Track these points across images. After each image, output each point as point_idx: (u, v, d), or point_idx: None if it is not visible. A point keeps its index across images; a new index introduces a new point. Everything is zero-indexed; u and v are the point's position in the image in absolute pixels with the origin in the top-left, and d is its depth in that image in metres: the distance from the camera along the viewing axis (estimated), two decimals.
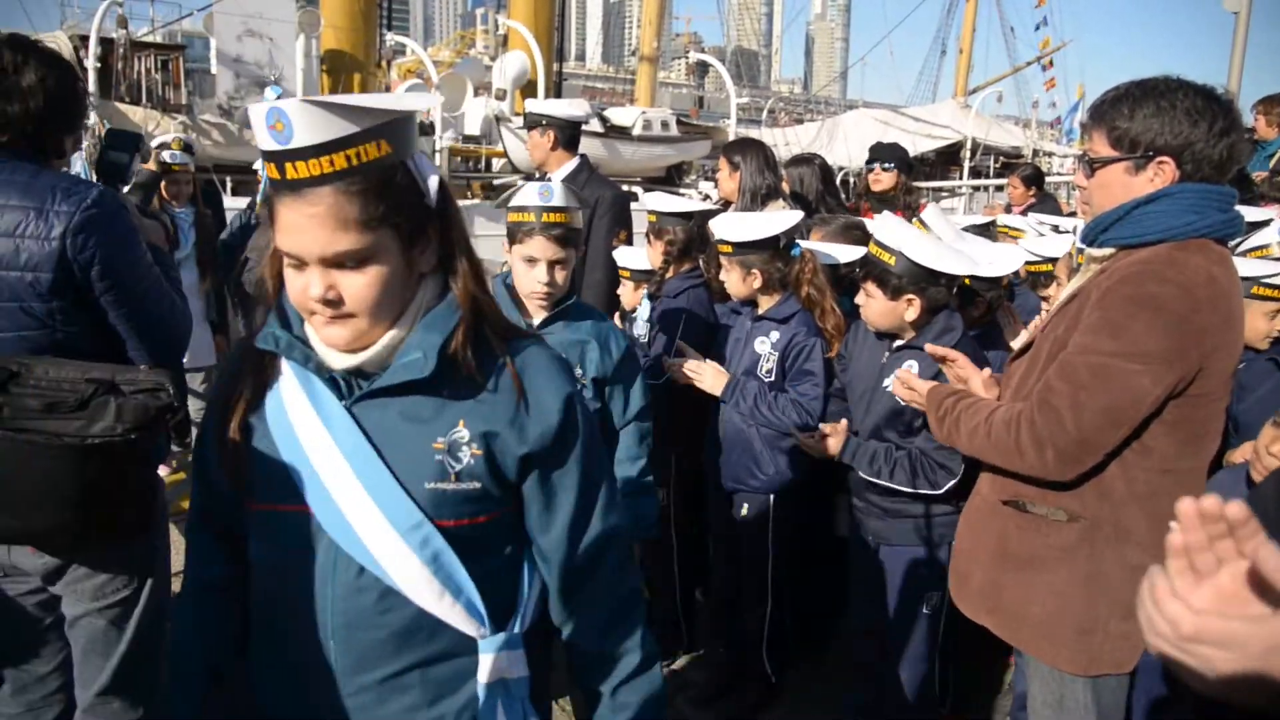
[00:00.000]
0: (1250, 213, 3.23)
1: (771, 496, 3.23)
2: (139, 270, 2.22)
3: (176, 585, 4.14)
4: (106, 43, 13.53)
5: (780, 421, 3.05)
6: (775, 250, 3.12)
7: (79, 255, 2.09)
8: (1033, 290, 3.61)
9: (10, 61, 2.10)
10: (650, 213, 3.62)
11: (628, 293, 3.76)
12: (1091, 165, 2.04)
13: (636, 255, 3.76)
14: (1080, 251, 2.20)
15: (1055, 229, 4.34)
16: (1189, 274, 1.88)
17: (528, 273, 2.51)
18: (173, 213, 5.31)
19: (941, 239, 2.85)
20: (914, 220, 3.11)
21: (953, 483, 2.66)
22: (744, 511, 3.27)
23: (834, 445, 2.85)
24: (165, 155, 5.48)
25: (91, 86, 12.07)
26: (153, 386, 2.03)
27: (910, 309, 2.70)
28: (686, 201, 3.78)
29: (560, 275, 2.51)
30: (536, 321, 2.56)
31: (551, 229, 2.46)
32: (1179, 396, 1.92)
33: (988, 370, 2.36)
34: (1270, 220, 3.30)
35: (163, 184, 5.43)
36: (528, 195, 2.50)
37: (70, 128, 2.25)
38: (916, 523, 2.80)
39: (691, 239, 3.56)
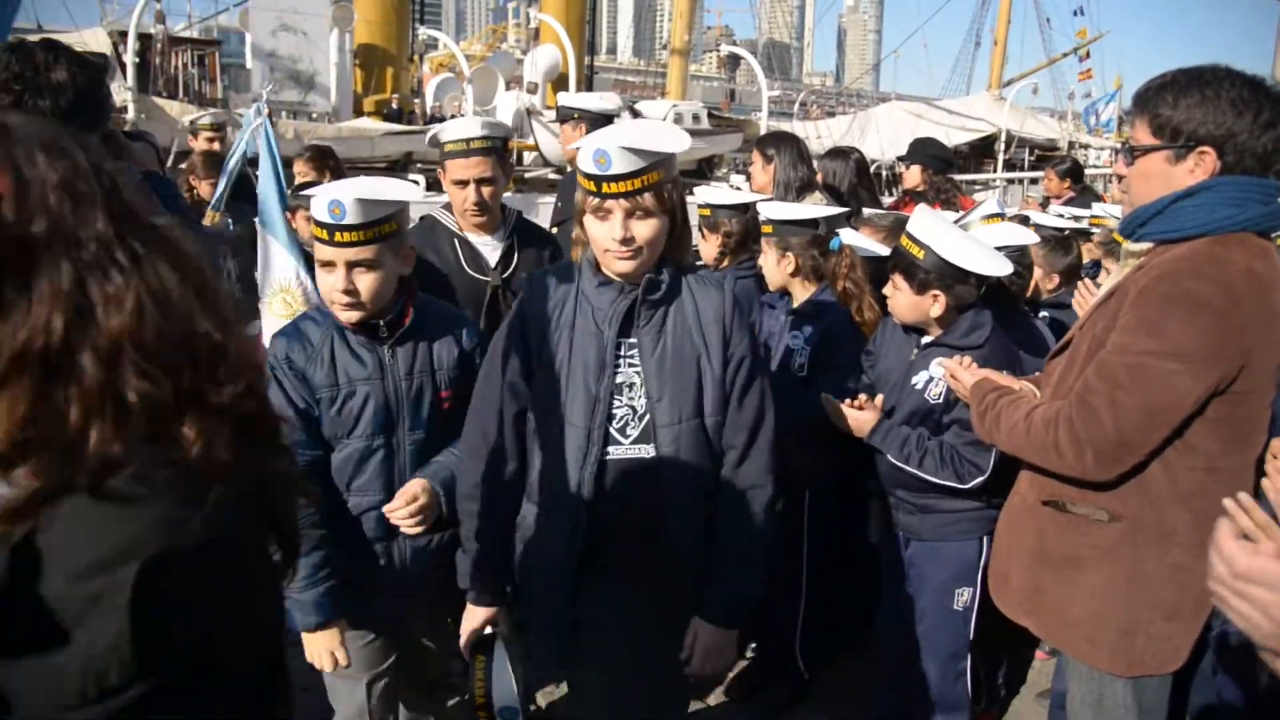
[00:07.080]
0: None
1: (806, 493, 3.20)
2: None
3: None
4: (145, 38, 13.73)
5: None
6: (814, 237, 3.10)
7: None
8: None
9: (43, 60, 2.21)
10: (702, 206, 3.54)
11: None
12: (1132, 153, 2.00)
13: None
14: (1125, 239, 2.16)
15: (1075, 220, 4.35)
16: (1228, 269, 1.84)
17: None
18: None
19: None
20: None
21: (980, 480, 2.63)
22: (777, 507, 3.24)
23: (867, 420, 2.76)
24: None
25: (130, 81, 12.25)
26: None
27: (935, 305, 2.66)
28: (741, 194, 3.74)
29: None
30: None
31: None
32: (1222, 394, 1.88)
33: (1007, 375, 2.35)
34: None
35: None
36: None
37: (96, 125, 2.35)
38: (947, 518, 2.78)
39: (748, 230, 3.47)
